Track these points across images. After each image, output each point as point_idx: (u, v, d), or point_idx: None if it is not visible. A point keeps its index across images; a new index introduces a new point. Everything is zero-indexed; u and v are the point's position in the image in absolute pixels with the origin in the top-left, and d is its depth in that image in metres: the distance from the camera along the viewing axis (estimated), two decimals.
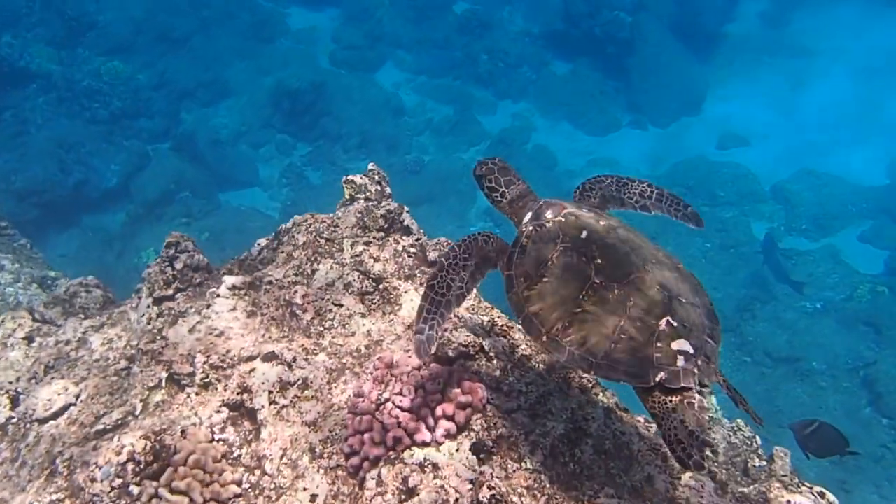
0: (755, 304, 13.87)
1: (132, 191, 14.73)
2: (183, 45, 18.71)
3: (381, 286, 3.98)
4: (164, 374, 3.36)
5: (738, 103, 20.91)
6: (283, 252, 4.17)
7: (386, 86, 19.78)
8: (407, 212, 4.46)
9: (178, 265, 4.02)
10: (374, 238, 4.18)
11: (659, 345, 2.66)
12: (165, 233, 13.14)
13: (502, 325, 4.08)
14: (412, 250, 4.14)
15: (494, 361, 3.78)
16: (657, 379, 2.62)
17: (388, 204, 4.38)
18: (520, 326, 2.92)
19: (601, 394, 3.84)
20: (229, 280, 3.83)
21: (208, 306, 3.72)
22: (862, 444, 10.53)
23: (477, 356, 3.73)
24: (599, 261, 2.82)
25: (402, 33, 21.41)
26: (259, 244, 4.46)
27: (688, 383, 2.63)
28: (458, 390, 3.45)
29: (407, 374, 3.48)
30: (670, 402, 2.63)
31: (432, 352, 2.90)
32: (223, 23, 19.76)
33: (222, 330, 3.61)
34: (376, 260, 4.01)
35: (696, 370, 2.65)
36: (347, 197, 4.56)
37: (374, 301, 3.93)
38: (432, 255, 4.23)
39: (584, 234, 2.92)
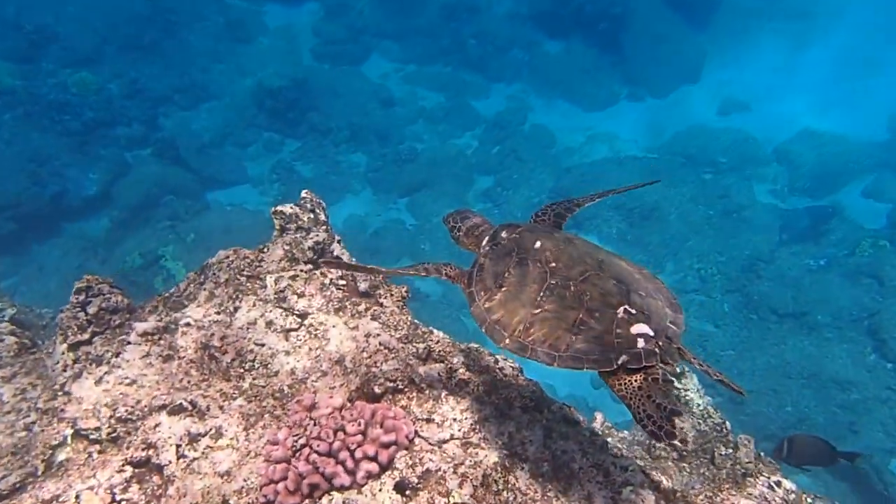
0: (759, 265, 14.11)
1: (114, 197, 14.53)
2: (153, 51, 18.41)
3: (306, 321, 3.82)
4: (69, 431, 3.23)
5: (737, 68, 20.70)
6: (205, 289, 4.01)
7: (373, 77, 19.53)
8: (338, 241, 4.29)
9: (92, 309, 3.85)
10: (300, 271, 4.01)
11: (619, 331, 2.75)
12: (150, 236, 13.05)
13: (439, 351, 3.92)
14: (341, 282, 3.97)
15: (427, 391, 3.64)
16: (619, 362, 2.71)
17: (317, 235, 4.19)
18: (484, 333, 2.99)
19: (546, 410, 3.69)
20: (140, 326, 3.68)
21: (118, 354, 3.59)
22: (868, 388, 11.45)
23: (406, 389, 3.59)
24: (554, 264, 2.94)
25: (385, 24, 21.09)
26: (188, 278, 4.30)
27: (650, 362, 2.71)
28: (380, 430, 3.32)
29: (327, 416, 3.35)
30: (635, 381, 2.71)
31: None
32: (193, 26, 19.51)
33: (134, 378, 3.47)
34: (300, 295, 3.85)
35: (656, 350, 2.73)
36: (278, 228, 4.39)
37: (299, 337, 3.78)
38: (363, 286, 4.06)
39: (538, 244, 3.05)
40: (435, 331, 4.10)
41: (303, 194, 4.60)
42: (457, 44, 20.81)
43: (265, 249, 4.28)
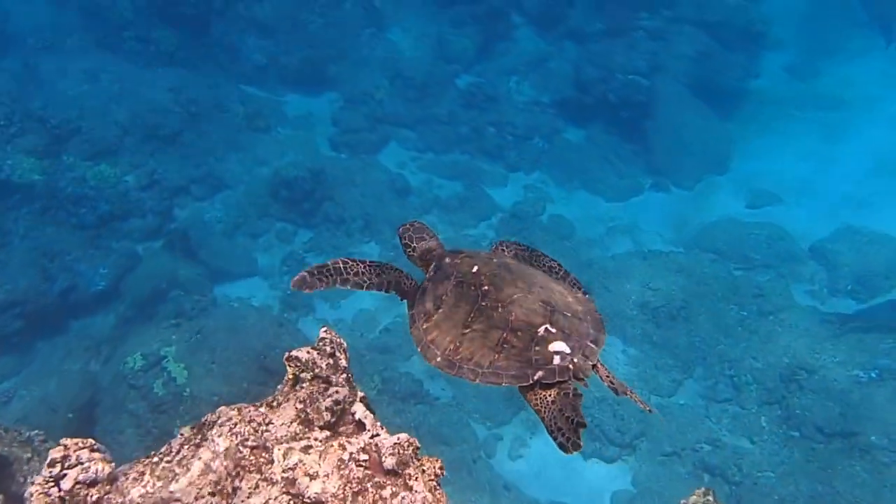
0: (800, 374, 12.98)
1: (122, 292, 14.30)
2: (172, 142, 18.25)
3: None
4: None
5: (767, 159, 20.00)
6: (200, 458, 3.22)
7: (390, 166, 19.19)
8: (360, 400, 3.48)
9: (67, 484, 3.16)
10: (315, 441, 3.24)
11: (537, 348, 2.97)
12: (154, 335, 12.47)
13: None
14: (363, 457, 3.14)
15: None
16: (535, 378, 2.91)
17: (336, 391, 3.40)
18: (419, 353, 3.18)
19: None
20: None
21: None
22: None
23: None
24: (486, 287, 3.19)
25: (404, 112, 20.90)
26: (182, 434, 3.52)
27: (563, 378, 2.90)
28: None
29: None
30: (549, 395, 2.87)
31: (306, 291, 3.41)
32: (214, 117, 19.37)
33: None
34: (313, 477, 3.07)
35: (570, 366, 2.93)
36: (290, 378, 3.59)
37: None
38: (389, 462, 3.18)
39: (475, 268, 3.33)
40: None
41: (321, 334, 3.82)
42: (475, 132, 20.57)
43: (275, 404, 3.49)
